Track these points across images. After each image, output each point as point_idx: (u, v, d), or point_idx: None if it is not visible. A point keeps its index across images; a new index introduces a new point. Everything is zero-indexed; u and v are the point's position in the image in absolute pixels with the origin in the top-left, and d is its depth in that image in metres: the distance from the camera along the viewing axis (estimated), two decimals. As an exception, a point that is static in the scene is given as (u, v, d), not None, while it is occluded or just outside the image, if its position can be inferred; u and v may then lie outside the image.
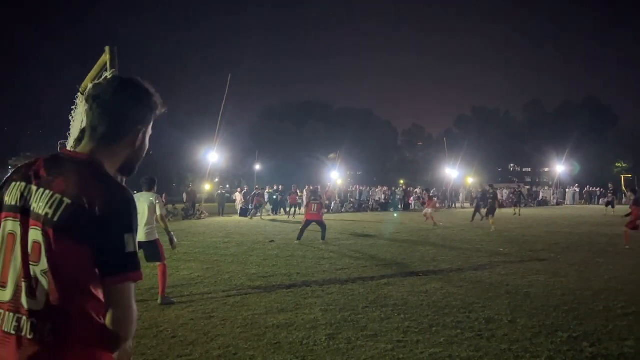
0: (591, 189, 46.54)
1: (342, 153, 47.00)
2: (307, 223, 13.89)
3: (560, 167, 52.94)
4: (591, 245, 12.72)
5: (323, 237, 13.66)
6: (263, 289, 7.44)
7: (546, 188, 49.16)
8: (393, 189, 38.28)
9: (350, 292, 7.18)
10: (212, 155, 29.67)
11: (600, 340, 4.81)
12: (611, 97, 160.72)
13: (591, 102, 71.54)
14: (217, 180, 33.68)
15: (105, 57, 3.00)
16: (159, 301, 6.48)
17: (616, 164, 62.64)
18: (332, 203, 32.13)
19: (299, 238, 13.56)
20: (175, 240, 7.07)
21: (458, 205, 39.26)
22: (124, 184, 1.57)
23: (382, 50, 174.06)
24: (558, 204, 43.10)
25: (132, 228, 1.37)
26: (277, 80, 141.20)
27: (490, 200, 17.97)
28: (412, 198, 37.03)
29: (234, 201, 29.09)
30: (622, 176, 50.89)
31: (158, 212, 6.80)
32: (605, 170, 59.87)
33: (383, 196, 36.19)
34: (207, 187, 32.07)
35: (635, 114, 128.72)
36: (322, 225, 13.83)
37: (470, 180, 45.87)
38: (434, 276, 8.41)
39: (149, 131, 1.57)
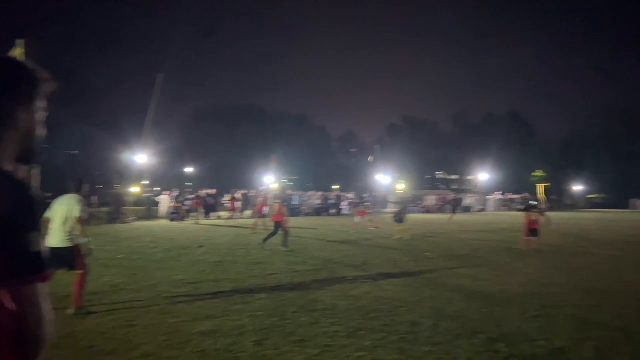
0: (512, 196, 49.28)
1: (277, 157, 46.96)
2: (277, 225, 13.36)
3: (483, 176, 55.77)
4: (510, 250, 13.43)
5: (284, 244, 13.04)
6: (190, 296, 7.24)
7: (470, 195, 51.46)
8: (326, 194, 38.66)
9: (280, 297, 7.14)
10: (140, 157, 28.63)
11: (515, 341, 5.06)
12: (530, 111, 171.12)
13: (512, 115, 76.22)
14: (145, 182, 32.49)
15: (17, 51, 2.81)
16: (71, 311, 6.08)
17: (534, 174, 66.77)
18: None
19: (265, 242, 13.09)
20: (92, 247, 6.55)
21: (387, 210, 40.25)
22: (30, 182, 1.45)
23: (316, 57, 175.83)
24: (481, 210, 45.28)
25: (36, 226, 1.27)
26: (210, 81, 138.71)
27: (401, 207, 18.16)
28: (344, 203, 37.53)
29: (162, 205, 28.17)
30: (541, 185, 54.27)
31: (75, 214, 6.15)
32: (525, 179, 63.70)
33: (318, 201, 36.48)
34: (134, 189, 30.87)
35: (551, 127, 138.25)
36: (285, 230, 13.24)
37: (400, 187, 47.30)
38: (363, 280, 8.55)
39: (38, 111, 1.43)
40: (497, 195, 49.11)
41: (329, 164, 72.43)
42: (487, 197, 49.24)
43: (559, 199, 57.60)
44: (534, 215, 13.40)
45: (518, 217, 24.51)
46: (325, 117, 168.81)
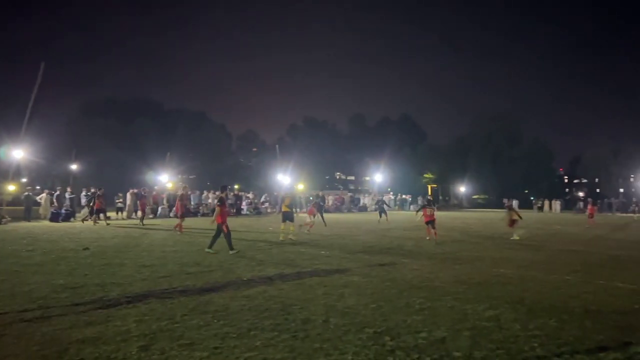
0: (403, 196, 51.85)
1: (174, 155, 45.29)
2: (219, 227, 12.53)
3: (378, 177, 58.10)
4: (400, 247, 14.14)
5: (210, 245, 12.42)
6: (70, 301, 6.74)
7: (366, 195, 53.38)
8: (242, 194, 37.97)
9: (170, 300, 6.88)
10: (17, 152, 26.07)
11: (399, 334, 5.32)
12: (421, 115, 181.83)
13: (405, 119, 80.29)
14: (24, 180, 29.67)
15: None
16: None
17: (425, 175, 70.92)
18: (160, 208, 30.75)
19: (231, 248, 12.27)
20: None
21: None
22: None
23: (218, 54, 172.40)
24: (376, 209, 47.12)
25: None
26: (101, 73, 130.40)
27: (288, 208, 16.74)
28: (244, 203, 37.14)
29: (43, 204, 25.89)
30: (429, 186, 57.77)
31: None
32: (416, 180, 67.41)
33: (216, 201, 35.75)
34: (11, 187, 28.08)
35: (440, 132, 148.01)
36: (222, 231, 12.49)
37: (300, 187, 47.79)
38: (258, 280, 8.51)
39: None
40: (391, 196, 51.36)
41: (229, 162, 71.29)
42: (381, 197, 51.34)
43: (445, 199, 61.71)
44: (429, 210, 16.24)
45: (408, 216, 25.86)
46: (225, 114, 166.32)
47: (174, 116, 66.38)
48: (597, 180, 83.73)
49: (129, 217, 28.02)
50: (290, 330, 5.40)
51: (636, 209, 41.39)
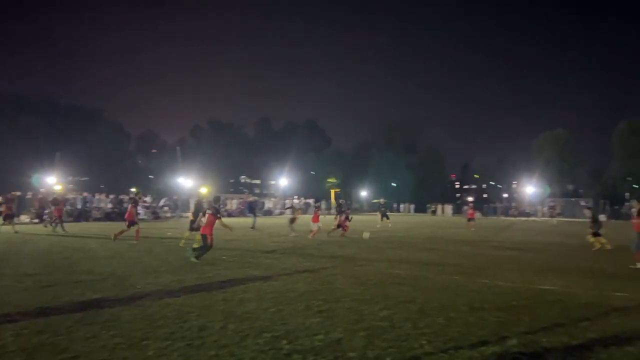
0: (307, 200, 52.59)
1: (64, 155, 42.19)
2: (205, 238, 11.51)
3: (283, 181, 58.38)
4: (303, 250, 14.30)
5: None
6: None
7: (272, 199, 53.40)
8: (120, 198, 36.01)
9: (54, 311, 6.38)
10: None
11: (297, 337, 5.36)
12: (326, 121, 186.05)
13: (310, 124, 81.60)
14: None
15: None
16: None
17: (328, 180, 72.46)
18: (45, 212, 28.44)
19: (198, 258, 11.40)
20: None
21: (188, 214, 39.29)
22: None
23: (115, 50, 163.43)
24: (281, 213, 47.33)
25: None
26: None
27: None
28: (140, 207, 35.48)
29: None
30: (332, 190, 59.01)
31: None
32: (321, 184, 68.65)
33: (110, 205, 33.77)
34: None
35: (344, 137, 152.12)
36: (208, 242, 11.55)
37: (203, 190, 46.68)
38: (154, 288, 8.15)
39: None
40: (295, 200, 51.91)
41: (125, 164, 67.73)
42: (286, 201, 51.67)
43: (347, 203, 63.44)
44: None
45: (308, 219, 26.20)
46: (123, 114, 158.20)
47: (65, 113, 61.87)
48: (484, 186, 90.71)
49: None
50: (185, 338, 5.23)
51: (515, 212, 45.41)
